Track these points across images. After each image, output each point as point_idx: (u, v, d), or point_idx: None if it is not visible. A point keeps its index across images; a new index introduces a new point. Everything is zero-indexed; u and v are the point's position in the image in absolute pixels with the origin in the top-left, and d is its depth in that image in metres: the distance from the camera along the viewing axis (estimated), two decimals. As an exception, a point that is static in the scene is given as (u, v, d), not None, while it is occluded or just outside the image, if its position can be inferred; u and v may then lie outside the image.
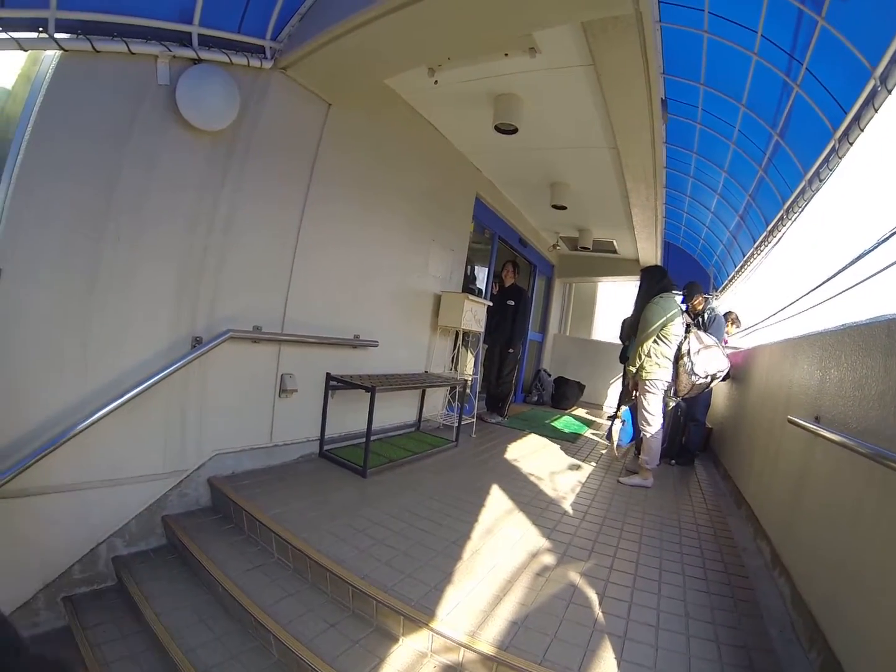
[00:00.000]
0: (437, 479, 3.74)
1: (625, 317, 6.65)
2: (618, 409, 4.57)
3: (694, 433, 5.54)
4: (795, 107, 3.94)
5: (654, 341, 4.14)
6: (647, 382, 4.18)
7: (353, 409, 4.11)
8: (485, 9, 2.50)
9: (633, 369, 4.25)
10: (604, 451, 5.49)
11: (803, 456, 2.53)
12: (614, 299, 12.74)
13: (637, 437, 4.43)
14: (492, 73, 3.64)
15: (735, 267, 8.38)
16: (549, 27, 2.69)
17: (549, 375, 9.34)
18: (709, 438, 6.28)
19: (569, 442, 5.83)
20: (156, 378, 2.58)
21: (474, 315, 5.12)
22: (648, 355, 4.16)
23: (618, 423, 4.50)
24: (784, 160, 4.63)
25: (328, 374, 3.82)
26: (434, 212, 5.02)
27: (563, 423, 7.26)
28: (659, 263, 8.84)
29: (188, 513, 2.90)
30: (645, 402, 4.22)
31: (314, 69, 3.23)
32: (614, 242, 8.41)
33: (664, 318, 4.10)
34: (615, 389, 9.46)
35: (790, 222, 5.38)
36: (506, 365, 6.27)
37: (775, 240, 5.98)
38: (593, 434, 6.69)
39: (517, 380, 6.13)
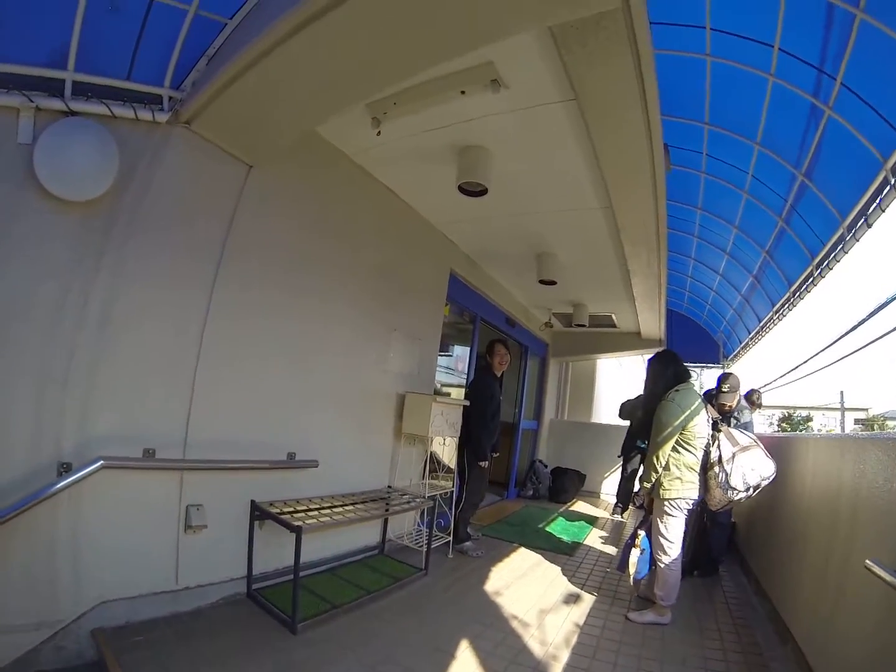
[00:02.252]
0: (392, 633, 2.86)
1: (626, 399, 5.80)
2: (634, 533, 3.59)
3: (718, 536, 4.56)
4: (827, 136, 3.29)
5: (674, 449, 3.26)
6: (666, 503, 3.27)
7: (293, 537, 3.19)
8: (417, 18, 1.87)
9: (648, 485, 3.35)
10: (608, 570, 4.51)
11: (889, 615, 1.76)
12: (615, 376, 11.84)
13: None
14: (451, 118, 3.00)
15: (749, 333, 7.67)
16: (510, 35, 1.99)
17: (546, 466, 8.31)
18: (733, 533, 5.23)
19: (566, 556, 4.84)
20: (7, 514, 2.02)
21: (446, 419, 4.21)
22: (667, 468, 3.27)
23: (635, 553, 3.51)
24: (812, 205, 3.85)
25: (253, 502, 3.02)
26: (394, 295, 4.28)
27: (561, 525, 6.22)
28: (662, 337, 8.09)
29: (69, 668, 2.29)
30: (662, 527, 3.30)
31: (222, 121, 2.62)
32: (613, 316, 7.67)
33: (682, 417, 3.23)
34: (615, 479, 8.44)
35: (820, 278, 4.61)
36: (470, 480, 4.76)
37: (801, 300, 5.13)
38: (598, 538, 5.71)
39: (481, 497, 4.94)
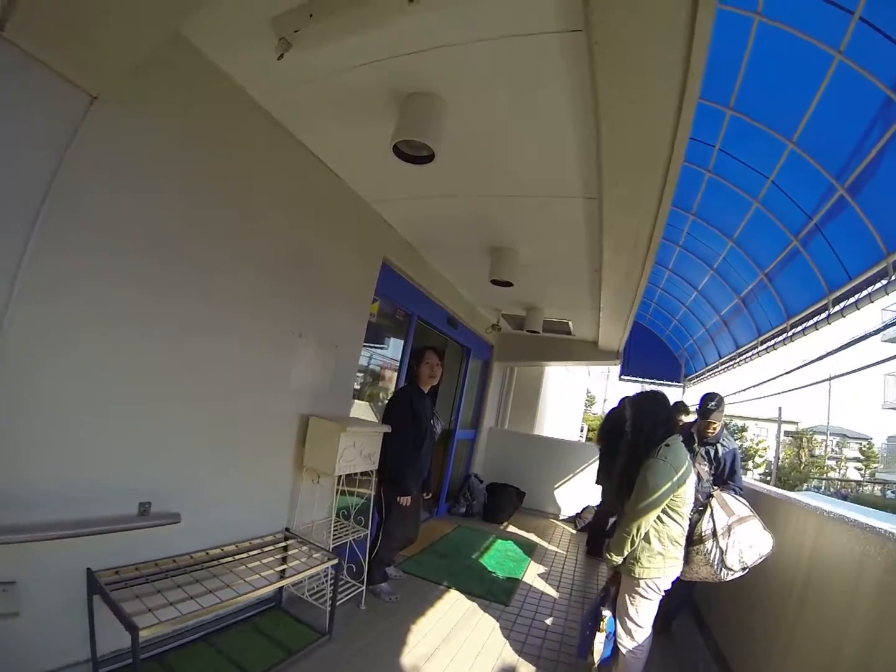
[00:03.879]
0: None
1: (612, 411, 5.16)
2: (599, 611, 2.90)
3: (677, 588, 3.90)
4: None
5: (657, 518, 2.55)
6: (641, 582, 2.57)
7: (163, 596, 2.27)
8: None
9: (619, 559, 2.62)
10: (548, 622, 3.88)
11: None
12: (563, 385, 11.20)
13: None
14: (393, 48, 2.10)
15: (720, 357, 7.24)
16: None
17: (482, 482, 7.53)
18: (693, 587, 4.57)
19: (501, 605, 4.11)
20: None
21: (360, 451, 3.30)
22: (646, 540, 2.55)
23: (600, 637, 2.85)
24: (848, 228, 3.46)
25: (90, 572, 2.13)
26: (306, 289, 3.33)
27: (496, 556, 5.47)
28: (621, 349, 7.45)
29: None
30: (632, 609, 2.61)
31: (44, 21, 1.69)
32: (570, 323, 6.98)
33: (675, 480, 2.51)
34: (563, 493, 7.95)
35: (838, 317, 4.27)
36: (388, 520, 3.81)
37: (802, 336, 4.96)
38: (536, 574, 5.01)
39: (404, 540, 3.97)
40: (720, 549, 2.62)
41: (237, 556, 2.79)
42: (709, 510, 2.73)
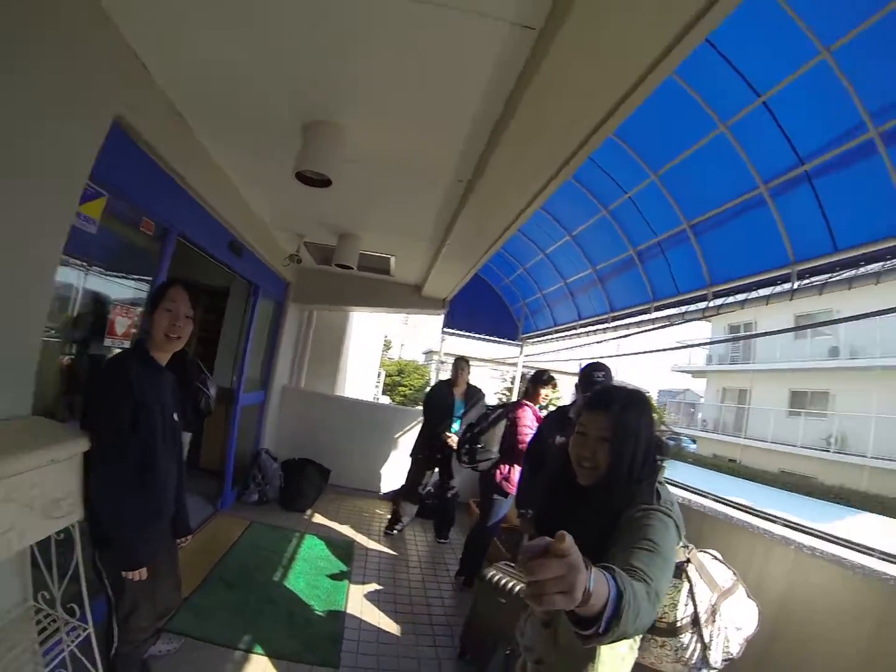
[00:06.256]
0: None
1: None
2: None
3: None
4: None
5: None
6: None
7: None
8: None
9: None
10: None
11: None
12: (367, 333, 9.70)
13: None
14: None
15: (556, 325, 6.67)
16: None
17: (275, 459, 5.85)
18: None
19: (330, 669, 2.82)
20: None
21: (29, 503, 1.47)
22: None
23: None
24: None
25: None
26: None
27: (307, 571, 3.99)
28: (448, 299, 6.37)
29: None
30: None
31: None
32: (392, 260, 5.47)
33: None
34: (377, 465, 6.69)
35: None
36: (117, 598, 1.98)
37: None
38: (362, 596, 3.72)
39: (149, 627, 2.04)
40: (703, 642, 1.63)
41: None
42: (686, 584, 1.68)
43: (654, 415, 1.51)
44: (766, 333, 20.36)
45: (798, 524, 2.71)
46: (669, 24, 1.46)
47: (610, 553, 1.23)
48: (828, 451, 17.11)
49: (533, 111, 1.99)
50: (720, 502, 3.08)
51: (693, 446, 22.28)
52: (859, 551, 2.14)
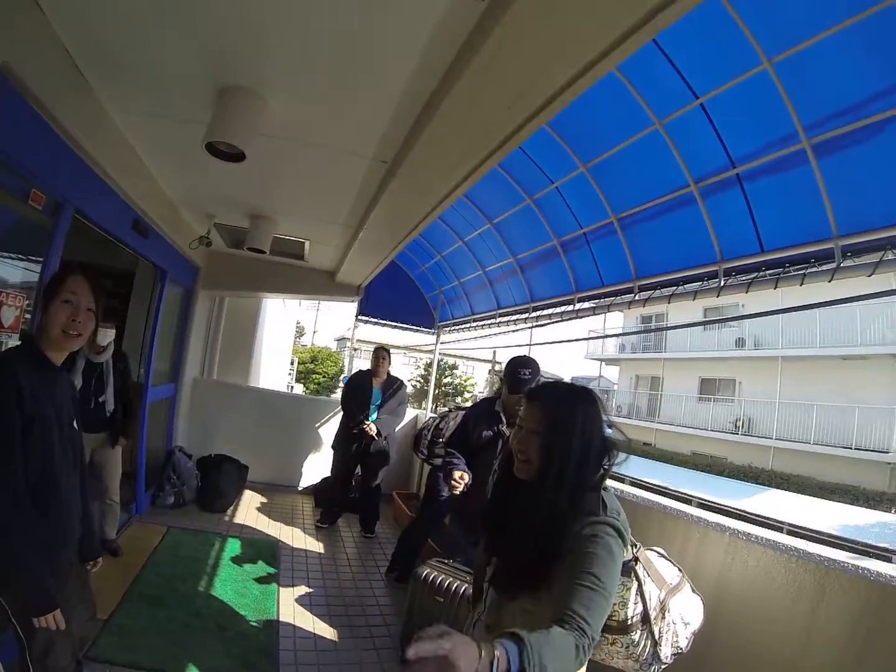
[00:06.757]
0: None
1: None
2: None
3: None
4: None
5: None
6: None
7: None
8: None
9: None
10: None
11: None
12: (280, 321, 9.20)
13: None
14: None
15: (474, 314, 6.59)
16: None
17: (190, 457, 5.44)
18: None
19: None
20: None
21: None
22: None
23: None
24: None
25: None
26: None
27: (234, 577, 3.74)
28: (363, 286, 6.19)
29: None
30: None
31: None
32: (306, 245, 5.17)
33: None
34: (298, 459, 6.43)
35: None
36: (29, 636, 1.67)
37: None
38: (293, 601, 3.55)
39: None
40: (653, 638, 1.67)
41: None
42: (634, 583, 1.71)
43: (602, 415, 1.44)
44: (679, 326, 21.24)
45: (711, 502, 2.76)
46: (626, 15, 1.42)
47: (555, 575, 1.25)
48: (736, 433, 18.69)
49: (470, 90, 1.88)
50: (637, 486, 3.16)
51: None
52: (769, 527, 2.23)
